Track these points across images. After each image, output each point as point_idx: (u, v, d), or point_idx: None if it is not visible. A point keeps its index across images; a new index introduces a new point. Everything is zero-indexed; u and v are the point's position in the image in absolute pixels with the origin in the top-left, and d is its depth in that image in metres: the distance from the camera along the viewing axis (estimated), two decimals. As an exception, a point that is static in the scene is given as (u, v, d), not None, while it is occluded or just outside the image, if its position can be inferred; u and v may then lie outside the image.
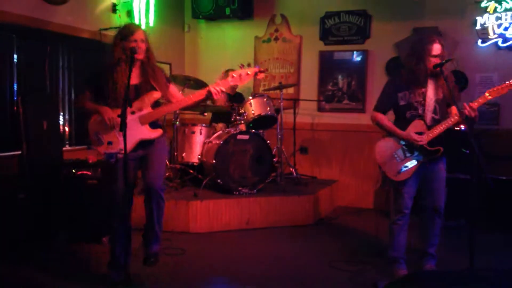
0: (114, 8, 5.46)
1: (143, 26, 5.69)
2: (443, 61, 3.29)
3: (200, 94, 3.25)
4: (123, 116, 2.87)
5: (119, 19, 5.48)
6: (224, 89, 3.25)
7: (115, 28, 5.37)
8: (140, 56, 3.17)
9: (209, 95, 3.21)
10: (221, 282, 3.53)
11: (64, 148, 4.80)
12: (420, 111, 3.40)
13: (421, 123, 3.39)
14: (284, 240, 4.61)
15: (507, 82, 3.24)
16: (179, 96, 3.43)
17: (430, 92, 3.37)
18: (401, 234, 3.53)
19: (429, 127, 3.38)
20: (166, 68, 6.47)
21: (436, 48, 3.31)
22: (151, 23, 5.81)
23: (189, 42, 6.93)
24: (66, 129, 5.01)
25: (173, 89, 3.41)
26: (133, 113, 3.19)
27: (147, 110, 3.24)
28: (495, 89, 3.27)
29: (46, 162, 4.24)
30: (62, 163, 4.35)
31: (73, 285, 3.39)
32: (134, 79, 3.20)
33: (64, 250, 4.10)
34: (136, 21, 5.66)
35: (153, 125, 3.30)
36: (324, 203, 5.54)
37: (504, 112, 5.44)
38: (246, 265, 3.90)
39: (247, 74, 3.21)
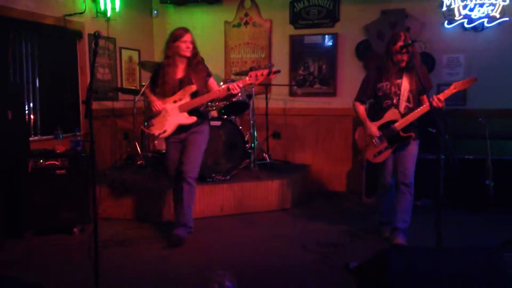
0: (78, -7, 5.31)
1: (108, 12, 5.59)
2: (408, 43, 3.50)
3: (223, 89, 3.83)
4: (87, 104, 2.81)
5: (84, 5, 5.34)
6: (241, 86, 3.78)
7: (80, 13, 5.28)
8: (187, 54, 3.83)
9: (228, 91, 3.77)
10: (195, 268, 3.52)
11: (30, 138, 4.68)
12: (395, 101, 3.75)
13: (395, 112, 3.75)
14: (258, 225, 4.63)
15: (472, 77, 3.55)
16: (215, 88, 3.94)
17: (405, 83, 3.70)
18: (385, 203, 4.05)
19: (403, 115, 3.73)
20: (135, 54, 6.36)
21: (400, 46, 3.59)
22: (117, 9, 5.70)
23: (157, 28, 6.81)
24: (32, 118, 4.87)
25: (212, 82, 3.97)
26: (175, 102, 3.85)
27: (186, 100, 3.84)
28: (460, 82, 3.56)
29: (12, 153, 4.13)
30: (29, 154, 4.24)
31: (47, 278, 3.33)
32: (180, 74, 3.88)
33: (34, 243, 4.02)
34: (102, 7, 5.55)
35: (192, 113, 3.87)
36: (298, 188, 5.57)
37: (470, 93, 5.55)
38: (220, 251, 3.90)
39: (262, 75, 3.76)
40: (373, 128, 3.82)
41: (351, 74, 6.00)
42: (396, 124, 3.73)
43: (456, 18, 5.48)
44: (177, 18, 6.71)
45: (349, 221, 4.71)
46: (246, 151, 5.37)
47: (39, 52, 4.93)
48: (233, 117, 5.45)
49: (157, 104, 3.86)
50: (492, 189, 4.80)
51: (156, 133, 3.92)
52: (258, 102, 6.05)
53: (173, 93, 3.86)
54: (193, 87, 3.84)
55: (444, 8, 5.51)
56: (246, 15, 6.44)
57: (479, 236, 4.25)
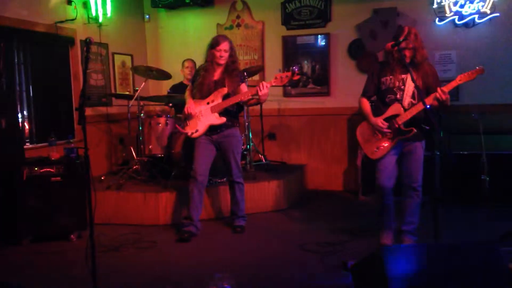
0: (69, 0, 5.30)
1: (100, 18, 5.59)
2: (399, 41, 3.46)
3: (250, 91, 4.09)
4: (80, 110, 2.81)
5: (75, 11, 5.33)
6: (268, 87, 3.96)
7: (71, 20, 5.27)
8: (221, 61, 4.15)
9: (256, 94, 3.97)
10: (193, 271, 3.52)
11: (25, 146, 4.67)
12: (398, 96, 3.62)
13: (398, 106, 3.61)
14: (256, 226, 4.62)
15: (478, 67, 3.35)
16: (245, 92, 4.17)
17: (410, 78, 3.49)
18: (383, 206, 3.76)
19: (406, 110, 3.58)
20: (127, 59, 6.36)
21: (404, 42, 3.49)
22: (109, 14, 5.69)
23: (150, 32, 6.81)
24: (26, 126, 4.86)
25: (243, 87, 4.22)
26: (208, 103, 4.14)
27: (217, 101, 4.11)
28: (465, 74, 3.39)
29: (7, 161, 4.12)
30: (24, 162, 4.23)
31: (45, 285, 3.32)
32: (216, 76, 4.19)
33: (32, 250, 4.01)
34: (93, 13, 5.55)
35: (224, 114, 4.15)
36: (294, 188, 5.58)
37: (463, 88, 5.56)
38: (219, 253, 3.90)
39: (286, 76, 3.91)
40: (379, 120, 3.63)
41: (344, 74, 6.02)
42: (398, 118, 3.59)
43: (447, 15, 5.51)
44: (169, 22, 6.71)
45: (346, 220, 4.72)
46: (242, 153, 5.36)
47: (31, 60, 4.93)
48: (228, 119, 5.44)
49: (189, 106, 4.19)
50: (487, 183, 4.82)
51: (189, 133, 4.19)
52: (253, 104, 6.05)
53: (208, 95, 4.15)
54: (225, 90, 4.12)
55: (435, 5, 5.54)
56: (238, 17, 6.45)
57: (475, 231, 4.27)
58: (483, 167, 4.83)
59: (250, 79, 5.94)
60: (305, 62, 6.22)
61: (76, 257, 3.78)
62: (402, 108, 3.59)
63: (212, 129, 4.18)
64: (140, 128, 5.33)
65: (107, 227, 4.59)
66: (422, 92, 3.42)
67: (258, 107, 5.95)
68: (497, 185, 4.86)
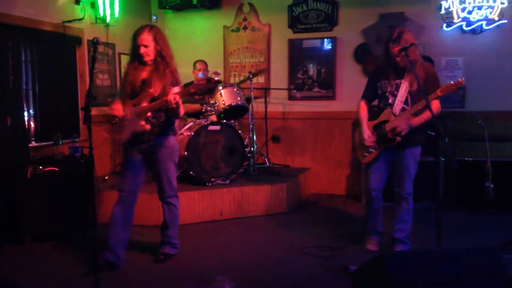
0: (77, 0, 5.33)
1: (107, 18, 5.61)
2: (406, 46, 3.42)
3: (162, 100, 3.36)
4: (86, 109, 2.82)
5: (83, 11, 5.36)
6: (181, 95, 3.33)
7: (79, 20, 5.30)
8: (146, 58, 3.41)
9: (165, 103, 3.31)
10: (194, 273, 3.52)
11: (30, 145, 4.69)
12: (390, 101, 3.61)
13: (388, 112, 3.61)
14: (258, 229, 4.63)
15: (459, 79, 3.33)
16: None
17: (405, 83, 3.54)
18: (372, 210, 3.85)
19: (396, 117, 3.59)
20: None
21: (393, 48, 3.48)
22: (116, 14, 5.71)
23: (157, 33, 6.82)
24: (32, 125, 4.88)
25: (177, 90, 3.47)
26: (134, 105, 3.43)
27: (143, 104, 3.40)
28: (445, 86, 3.38)
29: (11, 159, 4.14)
30: (28, 160, 4.25)
31: (46, 285, 3.33)
32: (145, 74, 3.45)
33: (34, 249, 4.02)
34: (101, 13, 5.57)
35: (151, 121, 3.42)
36: (297, 191, 5.57)
37: (469, 95, 5.56)
38: (220, 256, 3.90)
39: (205, 81, 3.31)
40: (366, 131, 3.71)
41: (350, 78, 6.01)
42: (386, 125, 3.59)
43: (454, 21, 5.49)
44: (176, 23, 6.73)
45: (349, 224, 4.71)
46: (246, 155, 5.37)
47: (38, 59, 4.95)
48: (232, 121, 5.45)
49: (115, 108, 3.47)
50: (492, 191, 4.78)
51: (115, 138, 3.54)
52: (257, 106, 6.06)
53: (134, 96, 3.46)
54: (151, 92, 3.41)
55: (443, 11, 5.52)
56: (245, 19, 6.46)
57: (479, 238, 4.24)
58: (488, 174, 4.80)
59: (255, 80, 5.95)
60: (311, 65, 6.22)
61: (77, 256, 3.80)
62: (391, 114, 3.58)
63: (139, 137, 3.45)
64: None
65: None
66: (417, 96, 3.46)
67: (263, 109, 5.96)
68: (501, 192, 4.83)
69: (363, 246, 3.90)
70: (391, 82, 3.60)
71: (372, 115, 3.79)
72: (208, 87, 3.31)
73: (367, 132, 3.70)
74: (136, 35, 3.43)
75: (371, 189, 3.79)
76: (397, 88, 3.57)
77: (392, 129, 3.54)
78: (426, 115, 3.46)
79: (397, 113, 3.56)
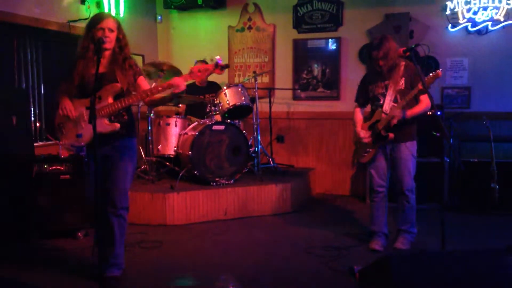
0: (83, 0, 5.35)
1: (113, 18, 5.60)
2: (412, 46, 3.50)
3: (162, 84, 3.08)
4: (91, 108, 2.80)
5: (88, 11, 5.37)
6: (183, 82, 3.06)
7: (84, 19, 5.30)
8: (107, 45, 3.05)
9: (171, 90, 3.05)
10: (198, 272, 3.52)
11: (35, 144, 4.70)
12: (381, 102, 3.79)
13: (379, 112, 3.79)
14: (262, 229, 4.62)
15: (436, 71, 3.39)
16: (145, 87, 3.20)
17: (392, 84, 3.76)
18: (378, 210, 3.95)
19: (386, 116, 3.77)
20: (139, 60, 6.39)
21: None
22: (122, 14, 5.73)
23: (161, 33, 6.84)
24: (37, 124, 4.90)
25: (142, 82, 3.21)
26: (91, 102, 2.90)
27: (106, 101, 3.08)
28: (425, 79, 3.43)
29: (17, 158, 4.15)
30: (34, 159, 4.26)
31: (52, 283, 3.34)
32: (101, 68, 2.99)
33: (39, 247, 4.03)
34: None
35: (117, 120, 3.13)
36: (302, 191, 5.57)
37: (474, 95, 5.54)
38: (224, 255, 3.90)
39: (206, 69, 3.10)
40: (361, 132, 3.91)
41: (354, 78, 5.95)
42: (378, 124, 3.77)
43: (460, 22, 5.47)
44: (181, 23, 6.74)
45: (353, 225, 4.70)
46: (250, 155, 5.37)
47: (43, 58, 4.97)
48: (237, 121, 5.46)
49: (67, 107, 3.08)
50: (497, 192, 4.77)
51: (68, 144, 3.15)
52: (262, 106, 6.06)
53: (84, 92, 3.11)
54: (117, 86, 3.10)
55: (448, 12, 5.50)
56: (250, 19, 6.46)
57: (484, 239, 4.22)
58: (493, 175, 4.79)
59: (259, 80, 5.96)
60: (315, 65, 6.21)
61: (82, 254, 3.81)
62: (383, 114, 3.75)
63: (101, 139, 2.95)
64: (149, 128, 5.36)
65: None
66: (405, 93, 3.65)
67: (267, 109, 5.96)
68: (507, 193, 4.82)
69: (368, 246, 3.91)
70: (380, 85, 3.81)
71: (366, 117, 4.01)
72: (208, 73, 3.13)
73: (362, 132, 3.89)
74: (99, 19, 3.08)
75: (375, 185, 3.91)
76: (386, 89, 3.78)
77: (385, 126, 3.71)
78: (418, 108, 3.70)
79: (388, 112, 3.72)
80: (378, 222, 3.96)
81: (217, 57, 3.24)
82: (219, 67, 3.13)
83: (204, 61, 5.81)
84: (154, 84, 5.39)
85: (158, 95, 3.14)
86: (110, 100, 3.09)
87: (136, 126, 3.36)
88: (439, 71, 3.36)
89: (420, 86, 3.48)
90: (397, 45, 3.71)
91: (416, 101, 3.73)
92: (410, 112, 3.68)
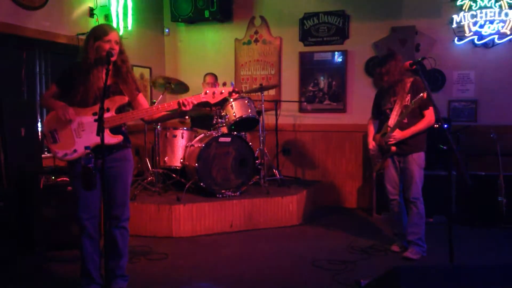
0: (91, 13, 5.41)
1: (121, 31, 5.67)
2: (418, 59, 3.53)
3: (169, 104, 3.07)
4: (100, 120, 2.81)
5: (97, 24, 5.42)
6: (195, 103, 3.03)
7: (93, 32, 5.36)
8: (113, 58, 3.04)
9: (179, 108, 3.02)
10: (205, 285, 3.50)
11: (43, 155, 4.73)
12: (388, 116, 4.03)
13: (386, 126, 4.02)
14: (268, 241, 4.61)
15: (421, 94, 3.52)
16: (145, 106, 3.22)
17: (399, 99, 3.97)
18: (395, 215, 4.21)
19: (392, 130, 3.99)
20: (146, 72, 6.44)
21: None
22: (130, 27, 5.78)
23: (169, 46, 6.90)
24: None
25: (142, 98, 3.23)
26: (95, 114, 2.99)
27: (111, 113, 3.06)
28: (415, 100, 3.66)
29: (25, 169, 4.17)
30: (41, 170, 4.29)
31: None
32: (104, 79, 2.92)
33: (46, 258, 4.03)
34: (114, 26, 5.61)
35: (116, 131, 3.11)
36: (308, 204, 5.55)
37: (481, 109, 5.53)
38: (230, 268, 3.88)
39: (221, 93, 3.02)
40: (370, 143, 4.21)
41: (360, 91, 6.01)
42: (385, 137, 4.01)
43: (466, 35, 5.48)
44: (188, 36, 6.80)
45: (360, 238, 4.67)
46: (256, 167, 5.37)
47: (52, 70, 5.02)
48: (243, 133, 5.47)
49: (67, 112, 2.98)
50: (505, 205, 4.74)
51: (60, 154, 3.02)
52: (268, 118, 6.07)
53: (94, 103, 3.05)
54: (125, 99, 3.12)
55: (454, 25, 5.52)
56: (256, 32, 6.50)
57: (492, 253, 4.19)
58: (500, 189, 4.76)
59: (266, 92, 5.98)
60: (322, 78, 6.23)
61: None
62: (388, 127, 3.98)
63: (101, 151, 2.84)
64: (156, 139, 5.38)
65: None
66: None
67: (273, 121, 5.97)
68: (515, 207, 4.78)
69: (381, 255, 4.13)
70: (390, 99, 4.04)
71: (379, 129, 4.22)
72: (223, 98, 3.06)
73: (371, 144, 4.20)
74: (106, 31, 3.07)
75: (389, 194, 4.17)
76: (393, 103, 4.00)
77: (387, 140, 3.97)
78: (420, 125, 3.90)
79: (392, 126, 3.95)
80: (397, 225, 4.22)
81: (232, 82, 3.22)
82: (234, 92, 3.10)
83: (213, 74, 5.84)
84: (161, 96, 5.44)
85: (159, 114, 3.16)
86: (113, 112, 3.07)
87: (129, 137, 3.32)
88: (424, 93, 3.48)
89: (411, 105, 3.69)
90: (402, 62, 3.82)
91: (421, 116, 3.92)
92: (410, 131, 3.89)
